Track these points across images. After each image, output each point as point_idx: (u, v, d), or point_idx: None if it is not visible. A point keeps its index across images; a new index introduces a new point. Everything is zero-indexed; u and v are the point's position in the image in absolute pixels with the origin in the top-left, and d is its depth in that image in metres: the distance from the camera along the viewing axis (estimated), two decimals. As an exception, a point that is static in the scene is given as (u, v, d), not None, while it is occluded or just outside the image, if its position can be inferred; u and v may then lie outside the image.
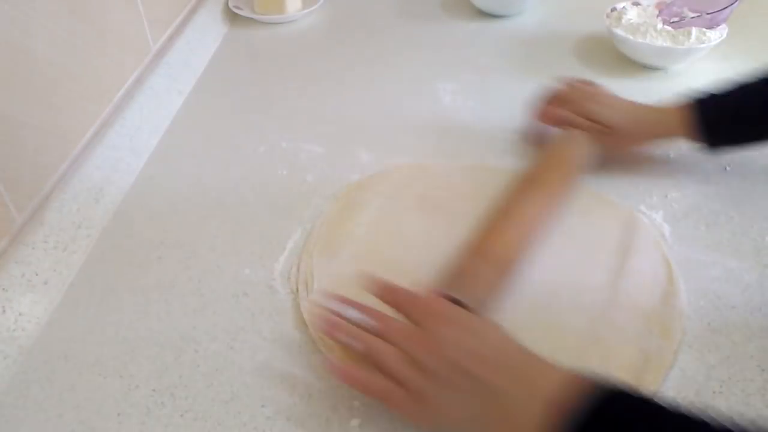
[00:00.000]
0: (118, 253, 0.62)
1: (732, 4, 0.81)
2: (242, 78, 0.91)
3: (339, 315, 0.48)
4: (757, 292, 0.55)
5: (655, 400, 0.38)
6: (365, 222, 0.62)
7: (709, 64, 0.87)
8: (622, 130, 0.66)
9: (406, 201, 0.65)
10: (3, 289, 0.52)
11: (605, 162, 0.67)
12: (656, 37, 0.84)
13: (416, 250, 0.60)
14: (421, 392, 0.42)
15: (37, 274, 0.55)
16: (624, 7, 0.91)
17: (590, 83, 0.72)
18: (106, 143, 0.67)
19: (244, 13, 1.03)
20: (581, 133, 0.66)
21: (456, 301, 0.49)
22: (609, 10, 0.90)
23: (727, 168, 0.68)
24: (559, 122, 0.69)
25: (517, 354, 0.44)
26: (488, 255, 0.54)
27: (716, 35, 0.83)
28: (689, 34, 0.83)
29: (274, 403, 0.48)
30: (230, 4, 1.05)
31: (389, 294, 0.48)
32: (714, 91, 0.63)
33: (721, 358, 0.50)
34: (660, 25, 0.85)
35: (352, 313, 0.48)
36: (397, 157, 0.72)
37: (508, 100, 0.81)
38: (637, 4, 0.91)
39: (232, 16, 1.06)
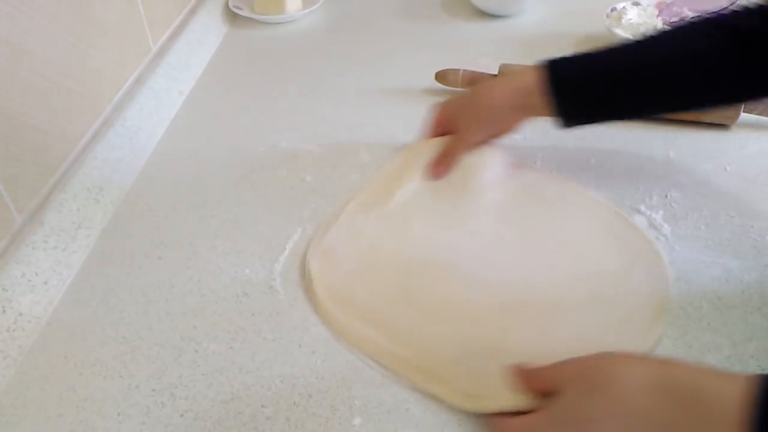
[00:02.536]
0: (118, 253, 0.62)
1: (732, 4, 0.81)
2: (242, 78, 0.91)
3: None
4: (757, 292, 0.55)
5: None
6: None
7: (709, 64, 0.86)
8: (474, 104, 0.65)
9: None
10: (3, 289, 0.52)
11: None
12: (656, 37, 0.84)
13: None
14: None
15: (37, 274, 0.55)
16: (624, 7, 0.91)
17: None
18: (106, 143, 0.67)
19: (244, 13, 1.03)
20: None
21: None
22: (609, 10, 0.91)
23: (727, 168, 0.68)
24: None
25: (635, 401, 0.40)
26: None
27: (716, 35, 0.83)
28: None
29: (274, 403, 0.48)
30: (230, 4, 1.05)
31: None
32: (573, 55, 0.61)
33: (721, 358, 0.50)
34: (660, 25, 0.85)
35: None
36: (397, 157, 0.72)
37: (508, 100, 0.81)
38: (637, 4, 0.91)
39: (232, 16, 1.06)
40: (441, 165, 0.66)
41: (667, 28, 0.60)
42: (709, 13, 0.58)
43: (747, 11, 0.56)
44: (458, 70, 0.82)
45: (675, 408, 0.38)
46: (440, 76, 0.83)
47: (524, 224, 0.62)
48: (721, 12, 0.58)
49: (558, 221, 0.62)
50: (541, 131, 0.75)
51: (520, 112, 0.64)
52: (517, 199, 0.65)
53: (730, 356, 0.50)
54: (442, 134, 0.67)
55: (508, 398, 0.45)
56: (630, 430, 0.39)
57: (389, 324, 0.53)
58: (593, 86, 0.58)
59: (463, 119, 0.65)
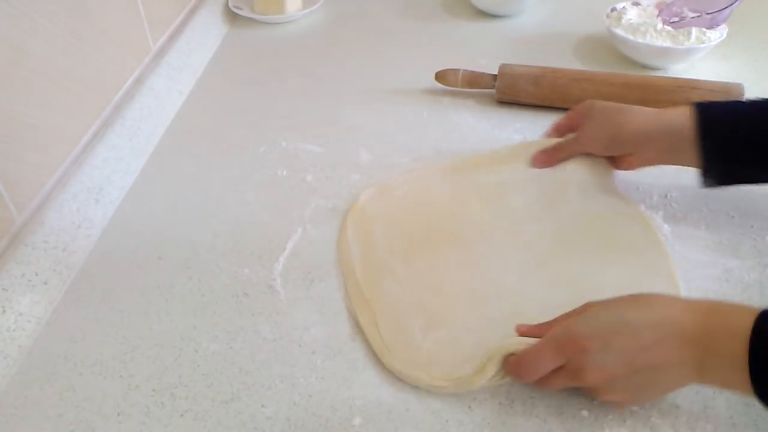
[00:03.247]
0: (118, 253, 0.62)
1: (732, 4, 0.81)
2: (242, 78, 0.91)
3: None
4: (757, 292, 0.55)
5: None
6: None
7: (709, 64, 0.87)
8: (605, 119, 0.62)
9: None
10: (3, 289, 0.52)
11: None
12: (656, 37, 0.84)
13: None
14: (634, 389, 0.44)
15: (37, 274, 0.55)
16: (624, 7, 0.91)
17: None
18: (106, 143, 0.67)
19: (244, 13, 1.03)
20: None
21: None
22: (609, 10, 0.90)
23: (727, 168, 0.68)
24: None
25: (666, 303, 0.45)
26: None
27: (716, 35, 0.83)
28: (689, 34, 0.83)
29: (274, 403, 0.48)
30: (230, 4, 1.05)
31: None
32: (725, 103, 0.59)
33: (721, 358, 0.50)
34: (660, 25, 0.85)
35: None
36: (397, 157, 0.72)
37: (508, 100, 0.81)
38: (637, 4, 0.91)
39: (232, 16, 1.06)
40: (546, 154, 0.65)
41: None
42: None
43: None
44: (458, 70, 0.82)
45: (705, 320, 0.42)
46: (440, 76, 0.83)
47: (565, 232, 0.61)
48: None
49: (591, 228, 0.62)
50: (541, 131, 0.75)
51: (652, 146, 0.59)
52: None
53: (730, 356, 0.50)
54: (562, 134, 0.67)
55: (518, 342, 0.48)
56: (662, 341, 0.42)
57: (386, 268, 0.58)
58: (752, 137, 0.55)
59: (593, 125, 0.62)
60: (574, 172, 0.64)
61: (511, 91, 0.80)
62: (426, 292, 0.56)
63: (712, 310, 0.43)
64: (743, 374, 0.39)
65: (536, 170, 0.65)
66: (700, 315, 0.43)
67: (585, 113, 0.64)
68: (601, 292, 0.47)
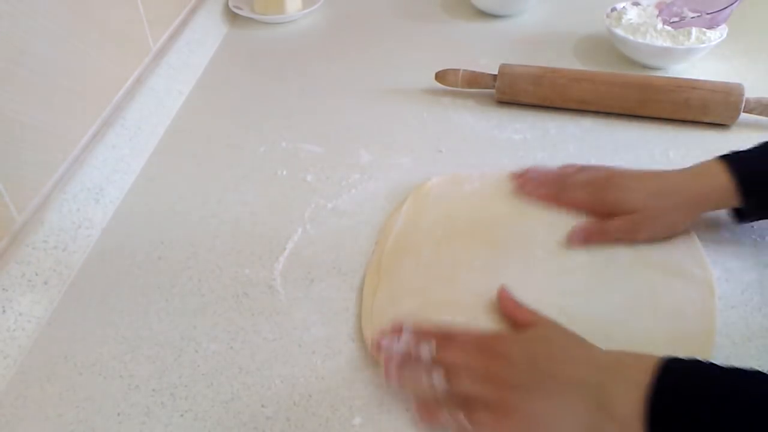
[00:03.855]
0: (118, 253, 0.62)
1: (732, 4, 0.81)
2: (242, 78, 0.91)
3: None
4: (757, 292, 0.55)
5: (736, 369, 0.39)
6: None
7: (709, 64, 0.87)
8: (655, 211, 0.57)
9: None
10: (3, 289, 0.52)
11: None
12: (656, 37, 0.84)
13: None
14: (504, 407, 0.42)
15: (37, 274, 0.55)
16: (624, 7, 0.91)
17: (596, 167, 0.63)
18: (106, 143, 0.67)
19: (244, 13, 1.03)
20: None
21: None
22: (609, 10, 0.91)
23: (727, 168, 0.68)
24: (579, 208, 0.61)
25: (588, 346, 0.45)
26: None
27: (716, 35, 0.83)
28: (689, 34, 0.83)
29: (274, 403, 0.48)
30: (230, 4, 1.05)
31: (439, 332, 0.48)
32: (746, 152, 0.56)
33: (721, 358, 0.50)
34: (660, 25, 0.85)
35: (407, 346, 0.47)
36: (397, 157, 0.73)
37: (508, 100, 0.81)
38: (637, 4, 0.91)
39: (232, 16, 1.06)
40: (587, 233, 0.58)
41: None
42: None
43: None
44: (458, 70, 0.82)
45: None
46: (440, 76, 0.83)
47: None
48: None
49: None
50: (541, 131, 0.75)
51: (697, 210, 0.58)
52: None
53: (730, 356, 0.50)
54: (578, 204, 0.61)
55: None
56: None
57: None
58: None
59: (648, 231, 0.57)
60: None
61: (511, 91, 0.80)
62: (436, 281, 0.56)
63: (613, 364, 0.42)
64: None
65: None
66: (596, 370, 0.42)
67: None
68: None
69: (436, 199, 0.65)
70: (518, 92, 0.79)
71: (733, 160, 0.55)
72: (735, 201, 0.55)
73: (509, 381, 0.43)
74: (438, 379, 0.45)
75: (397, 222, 0.62)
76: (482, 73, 0.82)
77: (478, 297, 0.54)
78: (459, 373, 0.44)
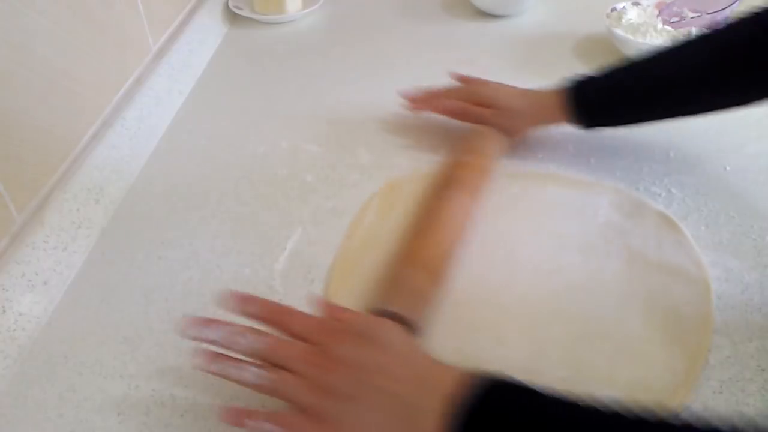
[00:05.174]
0: (118, 253, 0.62)
1: (732, 4, 0.81)
2: (242, 78, 0.91)
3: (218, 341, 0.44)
4: (757, 292, 0.55)
5: (542, 390, 0.39)
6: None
7: (709, 64, 0.86)
8: (516, 111, 0.69)
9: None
10: (3, 289, 0.52)
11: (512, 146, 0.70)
12: (656, 37, 0.84)
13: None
14: (319, 413, 0.41)
15: (37, 274, 0.55)
16: (624, 7, 0.91)
17: (477, 79, 0.75)
18: (106, 143, 0.67)
19: (244, 13, 1.03)
20: (488, 128, 0.69)
21: (390, 314, 0.48)
22: (609, 10, 0.91)
23: (727, 168, 0.68)
24: (452, 112, 0.72)
25: (419, 359, 0.43)
26: (418, 262, 0.54)
27: (716, 35, 0.83)
28: (689, 34, 0.82)
29: (274, 403, 0.48)
30: (230, 4, 1.05)
31: (273, 314, 0.46)
32: (592, 74, 0.66)
33: (721, 358, 0.50)
34: (660, 25, 0.85)
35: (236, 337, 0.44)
36: (397, 157, 0.72)
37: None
38: (637, 4, 0.91)
39: (232, 16, 1.06)
40: (439, 106, 0.73)
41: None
42: (704, 31, 0.64)
43: (741, 22, 0.60)
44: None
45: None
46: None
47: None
48: (716, 29, 0.62)
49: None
50: (541, 131, 0.75)
51: (537, 119, 0.70)
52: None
53: (730, 356, 0.50)
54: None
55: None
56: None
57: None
58: (606, 103, 0.66)
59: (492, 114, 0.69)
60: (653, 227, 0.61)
61: None
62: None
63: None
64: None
65: (613, 202, 0.63)
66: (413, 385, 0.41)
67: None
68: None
69: (409, 191, 0.66)
70: None
71: (571, 85, 0.66)
72: (563, 119, 0.67)
73: (335, 390, 0.41)
74: (259, 374, 0.43)
75: (366, 216, 0.63)
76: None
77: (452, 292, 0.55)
78: (286, 377, 0.42)
